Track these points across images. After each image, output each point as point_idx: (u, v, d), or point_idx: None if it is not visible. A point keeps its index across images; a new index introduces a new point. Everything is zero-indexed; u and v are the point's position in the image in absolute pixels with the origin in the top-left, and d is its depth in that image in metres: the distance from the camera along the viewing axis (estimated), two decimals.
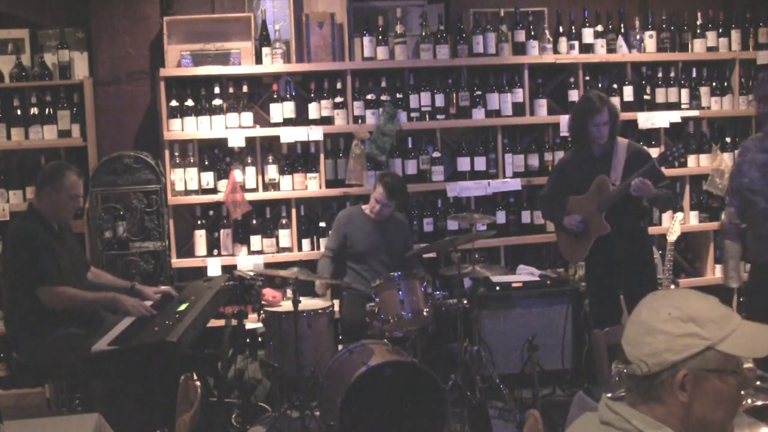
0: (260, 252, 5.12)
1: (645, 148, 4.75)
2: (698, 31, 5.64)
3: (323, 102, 5.20)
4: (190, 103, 5.08)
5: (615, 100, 5.43)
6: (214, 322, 4.51)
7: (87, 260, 4.55)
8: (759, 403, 2.20)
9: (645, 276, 4.39)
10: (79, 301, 3.93)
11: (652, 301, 1.62)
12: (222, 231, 5.11)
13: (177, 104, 5.08)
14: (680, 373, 1.52)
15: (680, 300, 1.59)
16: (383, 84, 5.33)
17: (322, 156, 5.20)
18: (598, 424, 1.62)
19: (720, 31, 5.66)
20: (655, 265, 4.81)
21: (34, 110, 5.00)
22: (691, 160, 5.53)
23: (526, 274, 5.21)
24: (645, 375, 1.56)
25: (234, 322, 4.42)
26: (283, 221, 5.18)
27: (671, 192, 4.49)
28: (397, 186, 4.76)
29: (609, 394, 1.68)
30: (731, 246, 4.11)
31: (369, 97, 5.24)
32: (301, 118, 5.23)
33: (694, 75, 5.61)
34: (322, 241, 5.15)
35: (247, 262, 5.00)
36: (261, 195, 5.14)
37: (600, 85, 5.56)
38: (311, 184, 5.19)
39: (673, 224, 5.05)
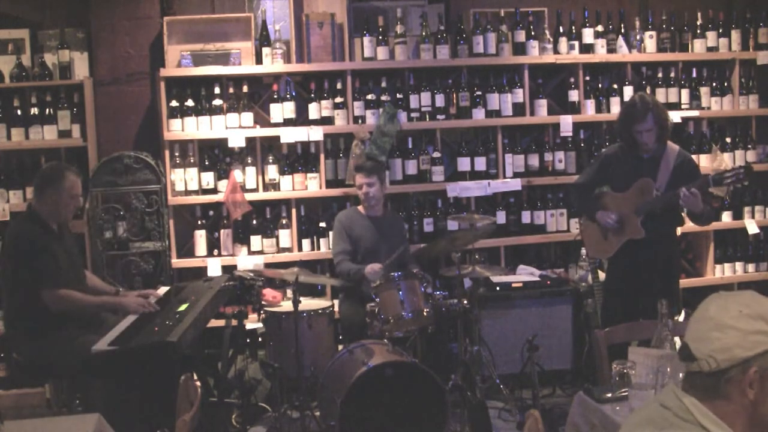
0: (260, 252, 5.11)
1: (694, 158, 4.58)
2: (698, 31, 5.64)
3: (323, 102, 5.20)
4: (190, 103, 5.08)
5: (615, 101, 5.46)
6: (214, 323, 4.51)
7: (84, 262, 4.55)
8: None
9: (668, 279, 4.29)
10: (82, 304, 3.94)
11: (720, 299, 1.63)
12: (222, 231, 5.11)
13: (177, 104, 5.07)
14: (751, 369, 1.54)
15: (749, 299, 1.61)
16: (383, 84, 5.33)
17: (322, 156, 5.20)
18: (658, 405, 1.63)
19: (720, 31, 5.66)
20: (680, 268, 4.73)
21: (35, 110, 4.99)
22: None
23: (526, 274, 5.22)
24: (713, 371, 1.56)
25: (234, 322, 4.42)
26: (284, 221, 5.18)
27: (713, 210, 4.40)
28: (368, 162, 4.88)
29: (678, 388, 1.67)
30: None
31: (369, 97, 5.24)
32: (301, 119, 5.23)
33: (694, 75, 5.61)
34: (323, 242, 5.15)
35: (247, 263, 5.00)
36: (261, 195, 5.14)
37: (600, 86, 5.56)
38: (311, 185, 5.19)
39: None
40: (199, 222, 5.11)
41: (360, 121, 5.21)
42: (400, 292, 4.31)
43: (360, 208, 4.91)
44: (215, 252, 5.12)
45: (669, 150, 4.29)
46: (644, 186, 4.23)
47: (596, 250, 4.56)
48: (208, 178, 5.11)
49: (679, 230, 5.14)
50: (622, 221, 4.29)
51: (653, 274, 4.27)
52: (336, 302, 4.84)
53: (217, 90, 5.13)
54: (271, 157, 5.16)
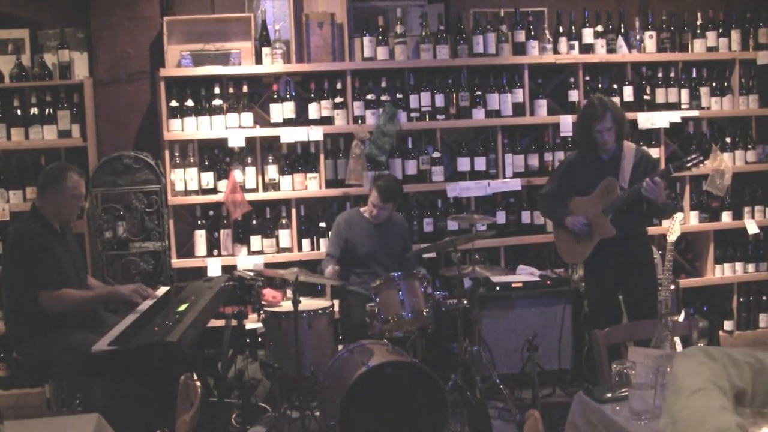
0: (260, 252, 5.12)
1: (651, 153, 4.70)
2: (698, 31, 5.64)
3: (323, 102, 5.20)
4: (190, 103, 5.08)
5: (615, 100, 5.44)
6: (214, 322, 4.51)
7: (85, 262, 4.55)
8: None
9: (645, 278, 4.35)
10: (78, 301, 3.94)
11: None
12: (222, 231, 5.11)
13: (177, 104, 5.08)
14: None
15: None
16: (383, 84, 5.33)
17: (322, 156, 5.20)
18: None
19: (720, 31, 5.66)
20: (655, 266, 4.80)
21: (34, 110, 4.99)
22: None
23: (526, 274, 5.21)
24: None
25: (234, 322, 4.42)
26: (283, 221, 5.18)
27: (673, 203, 4.47)
28: (391, 188, 4.73)
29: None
30: None
31: (369, 97, 5.24)
32: (301, 119, 5.24)
33: (694, 75, 5.61)
34: (323, 241, 5.15)
35: (247, 263, 5.00)
36: (261, 195, 5.14)
37: (600, 86, 5.56)
38: (311, 185, 5.19)
39: (673, 224, 5.02)
40: (199, 222, 5.11)
41: (360, 121, 5.21)
42: (400, 292, 4.31)
43: (363, 209, 4.89)
44: (215, 252, 5.12)
45: (626, 148, 4.37)
46: (608, 185, 4.29)
47: (571, 256, 4.62)
48: (208, 178, 5.11)
49: (679, 230, 5.13)
50: (591, 223, 4.35)
51: (631, 270, 4.33)
52: (336, 302, 4.84)
53: (217, 90, 5.13)
54: (270, 157, 5.16)
